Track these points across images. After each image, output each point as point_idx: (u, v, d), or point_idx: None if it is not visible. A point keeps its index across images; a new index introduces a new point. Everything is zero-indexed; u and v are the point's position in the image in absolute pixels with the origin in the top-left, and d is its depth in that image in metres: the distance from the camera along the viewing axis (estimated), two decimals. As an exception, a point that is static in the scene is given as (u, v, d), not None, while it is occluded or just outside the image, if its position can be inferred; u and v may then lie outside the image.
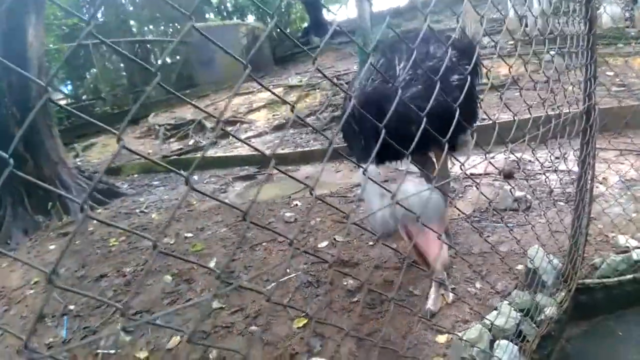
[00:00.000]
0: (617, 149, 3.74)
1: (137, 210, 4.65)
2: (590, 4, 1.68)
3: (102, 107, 9.92)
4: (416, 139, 1.17)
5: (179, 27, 12.17)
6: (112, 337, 2.37)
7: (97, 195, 5.05)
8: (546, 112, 2.25)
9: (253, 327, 2.22)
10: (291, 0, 13.12)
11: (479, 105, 1.98)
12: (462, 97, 1.61)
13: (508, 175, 3.53)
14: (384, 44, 2.06)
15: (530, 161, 3.75)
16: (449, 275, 2.25)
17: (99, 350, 2.31)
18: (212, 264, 2.94)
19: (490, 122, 1.58)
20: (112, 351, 2.31)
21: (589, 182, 1.85)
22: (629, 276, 2.09)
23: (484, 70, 2.23)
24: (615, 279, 2.09)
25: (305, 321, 2.18)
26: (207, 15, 14.92)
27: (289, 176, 0.91)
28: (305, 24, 13.07)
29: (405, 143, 1.55)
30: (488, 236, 2.68)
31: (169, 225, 3.86)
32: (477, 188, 3.23)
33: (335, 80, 7.13)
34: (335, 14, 0.93)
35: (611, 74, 5.81)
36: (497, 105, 4.91)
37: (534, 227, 1.99)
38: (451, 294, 2.13)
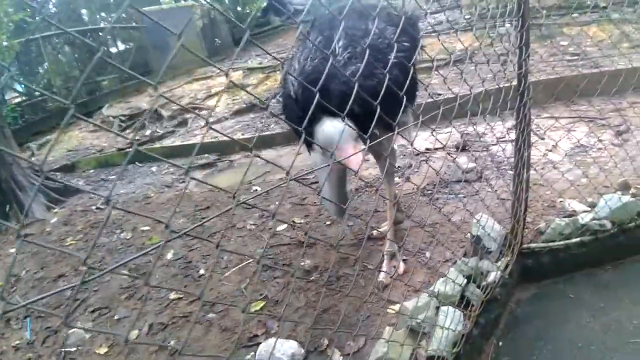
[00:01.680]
0: (569, 117, 3.89)
1: (94, 207, 4.49)
2: None
3: (54, 102, 9.39)
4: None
5: (131, 13, 11.59)
6: (72, 335, 2.32)
7: (53, 195, 4.84)
8: (498, 84, 2.31)
9: (211, 315, 2.21)
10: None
11: (417, 82, 1.99)
12: (401, 73, 1.62)
13: (461, 148, 3.62)
14: (321, 20, 2.01)
15: (484, 133, 3.85)
16: (400, 247, 2.30)
17: (61, 349, 2.26)
18: (169, 256, 2.89)
19: (445, 97, 1.60)
20: (74, 349, 2.26)
21: (526, 146, 1.91)
22: (576, 239, 2.16)
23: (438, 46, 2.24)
24: (562, 242, 2.17)
25: (263, 304, 2.19)
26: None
27: (268, 161, 0.95)
28: (264, 4, 12.70)
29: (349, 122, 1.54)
30: (440, 207, 2.75)
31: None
32: (427, 163, 3.30)
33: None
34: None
35: (565, 43, 5.99)
36: (453, 80, 5.00)
37: (483, 198, 2.05)
38: (402, 265, 2.18)
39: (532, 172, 2.74)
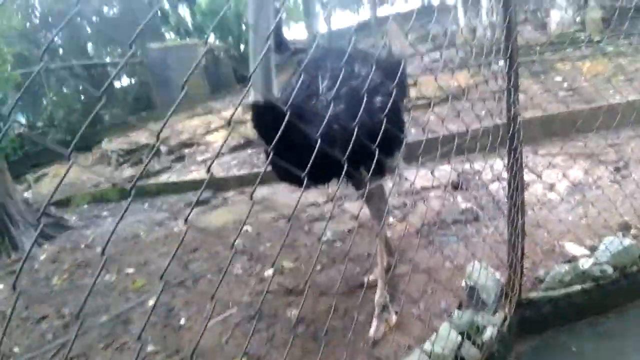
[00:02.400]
0: (566, 153, 3.81)
1: (83, 245, 4.37)
2: (509, 10, 1.66)
3: (55, 134, 9.48)
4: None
5: (136, 48, 11.91)
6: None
7: (44, 230, 4.75)
8: (494, 121, 2.25)
9: (188, 371, 2.05)
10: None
11: (404, 124, 1.93)
12: (387, 115, 1.55)
13: (457, 187, 3.53)
14: (308, 61, 1.98)
15: (479, 171, 3.77)
16: (392, 298, 2.16)
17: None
18: (151, 302, 2.75)
19: (440, 135, 1.53)
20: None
21: (519, 191, 1.81)
22: (577, 287, 2.04)
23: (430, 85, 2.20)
24: (563, 290, 2.04)
25: (244, 360, 2.03)
26: (167, 35, 14.71)
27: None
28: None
29: (329, 164, 1.46)
30: (435, 251, 2.62)
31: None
32: (423, 202, 3.20)
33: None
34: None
35: (559, 79, 6.02)
36: (448, 116, 4.97)
37: (482, 239, 1.94)
38: (394, 317, 2.04)
39: (529, 212, 2.64)
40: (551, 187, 3.33)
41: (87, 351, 2.45)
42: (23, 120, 9.88)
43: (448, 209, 3.08)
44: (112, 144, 8.34)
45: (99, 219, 5.41)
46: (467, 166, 3.63)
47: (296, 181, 1.74)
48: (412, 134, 4.41)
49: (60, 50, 10.97)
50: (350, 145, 1.28)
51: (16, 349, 2.58)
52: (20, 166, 7.92)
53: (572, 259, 2.26)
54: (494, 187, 3.29)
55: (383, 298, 2.04)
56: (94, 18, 11.70)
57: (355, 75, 1.91)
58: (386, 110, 1.55)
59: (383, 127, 1.37)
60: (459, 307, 1.98)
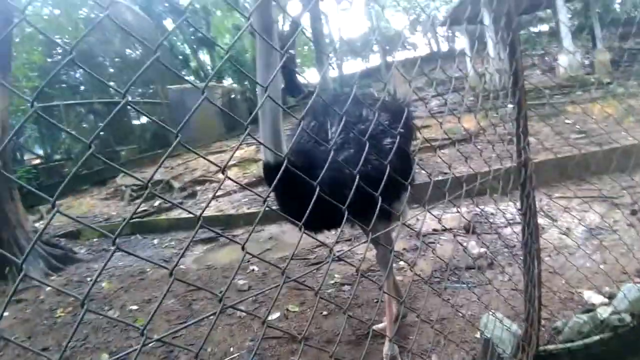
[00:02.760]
0: (581, 197, 3.72)
1: (89, 279, 4.33)
2: (515, 56, 1.68)
3: (71, 167, 9.71)
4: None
5: (157, 89, 12.42)
6: None
7: (52, 262, 4.75)
8: (502, 165, 2.21)
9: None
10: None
11: (413, 166, 1.91)
12: (395, 159, 1.54)
13: (469, 230, 3.44)
14: (316, 106, 2.02)
15: (492, 214, 3.69)
16: (402, 349, 2.04)
17: None
18: (151, 343, 2.65)
19: (451, 176, 1.51)
20: None
21: (534, 239, 1.74)
22: (596, 338, 1.92)
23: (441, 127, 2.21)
24: (581, 342, 1.92)
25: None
26: (186, 77, 15.37)
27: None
28: (282, 86, 13.54)
29: (339, 209, 1.43)
30: (448, 299, 2.51)
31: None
32: (433, 247, 3.10)
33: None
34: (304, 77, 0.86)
35: (570, 122, 6.01)
36: (458, 158, 4.98)
37: (497, 289, 1.85)
38: (404, 372, 1.91)
39: (546, 258, 2.53)
40: (567, 232, 3.23)
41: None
42: (41, 152, 10.16)
43: (461, 254, 2.98)
44: (126, 179, 8.48)
45: (107, 252, 5.39)
46: (478, 210, 3.57)
47: (308, 227, 1.71)
48: (420, 175, 4.40)
49: (82, 87, 11.46)
50: (358, 190, 1.25)
51: None
52: (34, 197, 8.07)
53: (591, 308, 2.14)
54: (506, 231, 3.20)
55: (392, 350, 1.93)
56: (116, 59, 12.30)
57: (363, 119, 1.93)
58: (392, 154, 1.54)
59: (389, 171, 1.35)
60: (473, 360, 1.86)
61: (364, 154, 1.18)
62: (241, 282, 3.28)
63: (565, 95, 6.71)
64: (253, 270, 3.57)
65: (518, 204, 2.19)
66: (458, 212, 1.58)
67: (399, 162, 1.61)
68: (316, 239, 1.24)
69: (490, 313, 1.86)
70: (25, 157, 10.85)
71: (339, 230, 1.85)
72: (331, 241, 3.82)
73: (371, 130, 1.77)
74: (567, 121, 5.89)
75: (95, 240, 6.05)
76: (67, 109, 10.18)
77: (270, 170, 1.51)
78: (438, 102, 8.26)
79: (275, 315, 2.67)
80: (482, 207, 3.51)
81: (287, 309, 2.71)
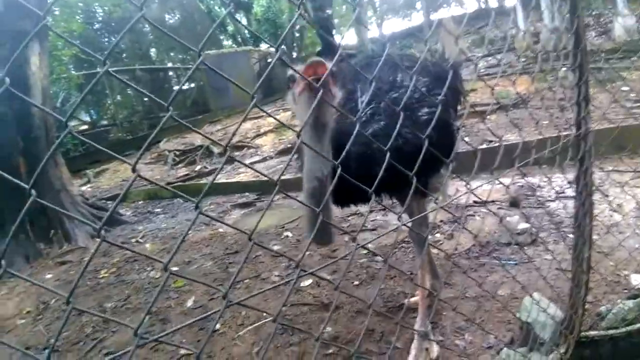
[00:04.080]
0: (634, 170, 3.39)
1: (133, 240, 4.57)
2: (576, 14, 1.45)
3: (117, 133, 10.14)
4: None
5: (196, 55, 12.46)
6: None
7: (99, 223, 5.03)
8: (558, 132, 2.01)
9: (217, 380, 2.01)
10: (304, 26, 13.28)
11: (456, 138, 1.74)
12: (434, 132, 1.40)
13: (514, 203, 3.24)
14: (345, 72, 1.86)
15: (539, 186, 3.45)
16: (435, 325, 1.98)
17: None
18: (189, 303, 2.77)
19: (497, 144, 1.37)
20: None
21: (588, 221, 1.58)
22: (639, 325, 1.78)
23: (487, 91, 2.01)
24: (624, 329, 1.78)
25: (273, 376, 1.96)
26: (224, 42, 15.30)
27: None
28: (318, 48, 13.15)
29: (367, 185, 1.35)
30: (487, 276, 2.40)
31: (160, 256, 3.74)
32: (461, 226, 2.96)
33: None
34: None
35: (626, 88, 5.43)
36: (507, 125, 4.64)
37: (538, 268, 1.73)
38: (436, 348, 1.86)
39: (594, 236, 2.33)
40: (618, 209, 2.96)
41: (123, 349, 2.49)
42: (87, 118, 10.62)
43: (503, 229, 2.82)
44: (169, 144, 8.76)
45: (151, 215, 5.66)
46: (525, 182, 3.34)
47: (334, 202, 1.64)
48: (465, 143, 4.16)
49: (124, 55, 11.71)
50: (388, 167, 1.13)
51: (52, 340, 2.64)
52: (82, 161, 8.54)
53: (638, 293, 1.97)
54: (554, 206, 2.98)
55: (424, 326, 1.88)
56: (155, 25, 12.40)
57: (397, 85, 1.75)
58: (430, 126, 1.40)
59: (427, 143, 1.22)
60: (511, 342, 1.77)
61: (397, 127, 1.06)
62: (276, 247, 3.32)
63: (621, 60, 6.06)
64: (287, 236, 3.60)
65: (569, 176, 2.00)
66: (503, 184, 1.44)
67: (438, 135, 1.47)
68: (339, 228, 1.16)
69: (531, 295, 1.75)
70: (73, 124, 11.42)
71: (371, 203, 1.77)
72: (366, 210, 3.76)
73: (406, 98, 1.63)
74: (623, 88, 5.32)
75: (140, 202, 6.36)
76: (110, 76, 10.48)
77: None
78: (486, 63, 7.71)
79: (307, 282, 2.69)
80: (529, 178, 3.26)
81: (320, 277, 2.71)
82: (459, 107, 2.22)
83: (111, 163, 8.44)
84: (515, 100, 4.86)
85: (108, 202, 6.18)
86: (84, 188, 7.34)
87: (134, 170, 0.60)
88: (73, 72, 9.66)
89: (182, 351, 2.29)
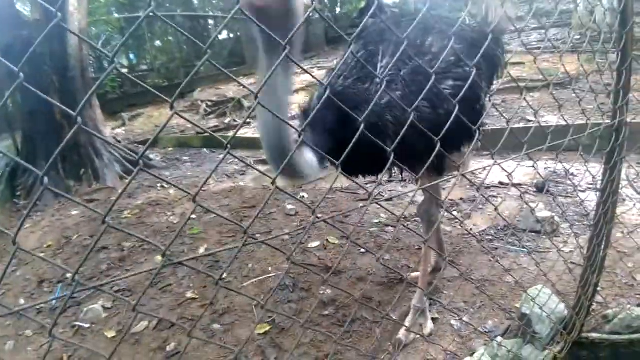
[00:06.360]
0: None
1: (159, 185, 4.74)
2: None
3: (154, 79, 10.29)
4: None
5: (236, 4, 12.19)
6: (90, 312, 2.40)
7: (128, 165, 5.22)
8: (603, 119, 1.86)
9: (216, 326, 2.11)
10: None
11: (482, 115, 1.61)
12: (458, 107, 1.30)
13: (541, 189, 3.08)
14: (370, 31, 1.73)
15: (572, 174, 3.24)
16: (433, 302, 1.97)
17: (76, 323, 2.35)
18: (201, 250, 2.88)
19: (534, 125, 1.27)
20: (87, 325, 2.33)
21: (608, 219, 1.47)
22: None
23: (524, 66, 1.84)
24: (627, 336, 1.69)
25: (268, 328, 2.03)
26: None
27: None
28: (362, 5, 12.54)
29: (376, 158, 1.29)
30: (496, 260, 2.33)
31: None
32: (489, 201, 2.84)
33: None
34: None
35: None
36: (549, 105, 4.32)
37: (557, 258, 1.64)
38: (430, 324, 1.85)
39: (618, 234, 2.19)
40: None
41: (134, 287, 2.62)
42: (125, 62, 10.77)
43: (524, 214, 2.70)
44: (203, 94, 8.83)
45: (179, 162, 5.82)
46: (557, 167, 3.14)
47: (344, 170, 1.58)
48: (499, 120, 3.92)
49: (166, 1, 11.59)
50: (403, 140, 1.06)
51: (68, 275, 2.78)
52: (118, 104, 8.76)
53: None
54: (583, 197, 2.81)
55: (421, 302, 1.86)
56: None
57: (423, 51, 1.61)
58: (455, 100, 1.29)
59: (451, 118, 1.12)
60: (506, 331, 1.73)
61: (418, 100, 0.98)
62: (289, 207, 3.35)
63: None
64: (303, 196, 3.61)
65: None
66: (534, 167, 1.34)
67: (462, 110, 1.35)
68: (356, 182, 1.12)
69: (541, 286, 1.68)
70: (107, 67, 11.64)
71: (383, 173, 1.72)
72: (385, 179, 3.69)
73: (430, 65, 1.50)
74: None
75: (170, 149, 6.54)
76: (151, 21, 10.48)
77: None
78: (539, 36, 7.11)
79: (315, 244, 2.72)
80: (563, 164, 3.07)
81: (327, 240, 2.73)
82: (495, 81, 2.05)
83: (147, 108, 8.64)
84: (562, 79, 4.49)
85: (140, 145, 6.39)
86: (117, 131, 7.60)
87: (172, 107, 0.62)
88: (115, 15, 9.74)
89: (189, 294, 2.40)
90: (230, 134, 6.64)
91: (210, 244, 2.96)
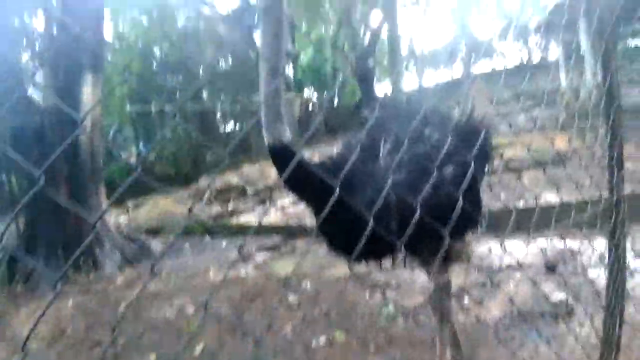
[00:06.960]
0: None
1: (163, 272, 4.62)
2: (610, 69, 1.36)
3: (162, 167, 10.66)
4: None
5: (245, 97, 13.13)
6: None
7: (127, 255, 5.13)
8: (600, 193, 1.86)
9: None
10: (346, 77, 13.71)
11: (481, 204, 1.64)
12: (457, 192, 1.33)
13: (552, 269, 2.98)
14: (372, 119, 1.84)
15: (579, 252, 3.16)
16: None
17: None
18: (197, 350, 2.70)
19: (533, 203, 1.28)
20: None
21: (619, 297, 1.39)
22: None
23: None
24: None
25: None
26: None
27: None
28: (357, 98, 13.46)
29: (380, 239, 1.28)
30: (516, 351, 2.17)
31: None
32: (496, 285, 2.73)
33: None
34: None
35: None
36: (545, 183, 4.37)
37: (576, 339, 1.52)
38: None
39: (630, 309, 2.06)
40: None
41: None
42: (134, 151, 11.26)
43: (536, 297, 2.58)
44: (207, 181, 9.06)
45: (181, 250, 5.75)
46: (562, 244, 3.07)
47: (340, 252, 1.57)
48: (499, 200, 3.95)
49: (177, 94, 12.50)
50: (403, 223, 1.08)
51: None
52: (124, 193, 8.92)
53: None
54: (594, 273, 2.71)
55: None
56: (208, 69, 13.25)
57: (422, 139, 1.71)
58: (457, 185, 1.32)
59: (450, 204, 1.15)
60: None
61: (426, 188, 1.01)
62: (291, 298, 3.22)
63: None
64: (306, 287, 3.49)
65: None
66: (543, 245, 1.30)
67: (464, 194, 1.36)
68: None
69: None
70: (123, 155, 12.12)
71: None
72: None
73: (429, 153, 1.57)
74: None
75: (171, 237, 6.51)
76: (161, 113, 11.21)
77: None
78: (525, 117, 7.49)
79: (320, 340, 2.55)
80: (570, 244, 3.01)
81: (334, 336, 2.57)
82: (486, 170, 2.13)
83: (152, 197, 8.80)
84: (553, 157, 4.62)
85: (143, 234, 6.37)
86: (121, 218, 7.64)
87: (190, 211, 0.62)
88: (128, 107, 10.43)
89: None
90: (233, 220, 6.67)
91: (207, 341, 2.79)
